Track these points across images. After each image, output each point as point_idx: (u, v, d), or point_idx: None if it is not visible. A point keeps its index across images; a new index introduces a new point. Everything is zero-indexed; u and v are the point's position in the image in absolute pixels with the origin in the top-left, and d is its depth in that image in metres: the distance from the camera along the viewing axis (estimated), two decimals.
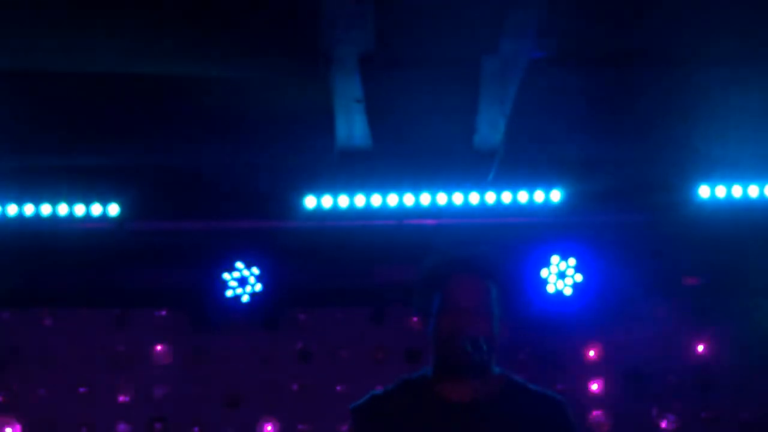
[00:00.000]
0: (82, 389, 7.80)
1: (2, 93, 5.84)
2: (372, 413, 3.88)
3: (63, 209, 6.82)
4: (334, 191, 6.75)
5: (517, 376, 3.98)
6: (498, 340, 3.81)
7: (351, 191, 6.75)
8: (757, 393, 7.86)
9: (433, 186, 6.74)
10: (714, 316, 7.76)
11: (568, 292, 7.07)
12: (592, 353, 7.88)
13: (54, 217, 6.83)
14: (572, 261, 7.06)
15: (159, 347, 7.87)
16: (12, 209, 6.80)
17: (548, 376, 7.83)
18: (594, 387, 7.86)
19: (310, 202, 6.76)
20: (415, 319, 4.10)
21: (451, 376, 3.85)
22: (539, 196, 6.77)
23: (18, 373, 7.78)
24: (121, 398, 7.82)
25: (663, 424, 7.84)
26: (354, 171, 6.72)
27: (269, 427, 7.82)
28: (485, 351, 3.69)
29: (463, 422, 3.76)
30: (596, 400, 7.85)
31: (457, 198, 6.74)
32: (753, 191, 6.74)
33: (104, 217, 6.86)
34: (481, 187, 6.75)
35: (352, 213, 6.78)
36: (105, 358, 7.83)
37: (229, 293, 7.08)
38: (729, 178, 6.77)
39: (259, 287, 7.08)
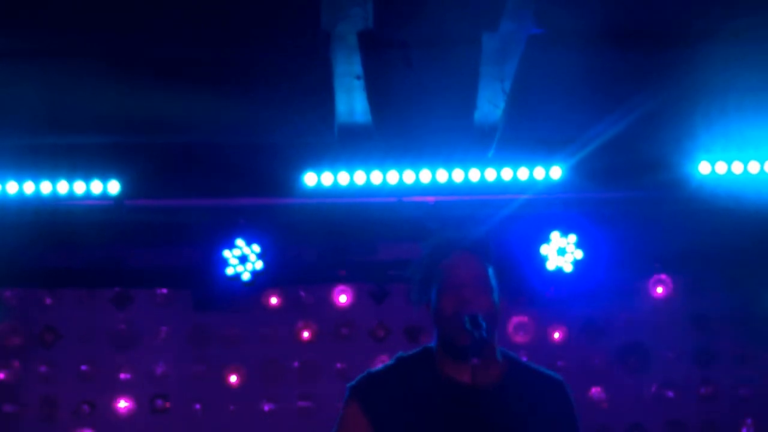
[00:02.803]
0: (83, 367, 7.82)
1: (2, 72, 5.84)
2: (370, 391, 3.89)
3: (63, 187, 6.81)
4: (335, 168, 6.74)
5: (519, 356, 4.00)
6: (498, 316, 3.83)
7: (351, 168, 6.74)
8: (757, 368, 7.89)
9: (434, 163, 6.73)
10: (714, 292, 7.77)
11: (568, 268, 7.07)
12: (590, 330, 7.89)
13: (54, 196, 6.82)
14: (572, 238, 7.06)
15: (160, 325, 7.88)
16: (12, 187, 6.79)
17: (549, 353, 7.87)
18: (594, 362, 7.87)
19: (310, 179, 6.75)
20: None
21: (454, 354, 3.86)
22: (539, 172, 6.76)
23: (19, 351, 7.80)
24: (123, 376, 7.84)
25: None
26: (354, 148, 6.71)
27: (270, 404, 7.84)
28: (484, 328, 3.70)
29: (467, 403, 3.77)
30: (596, 376, 7.86)
31: (458, 175, 6.73)
32: (753, 167, 6.74)
33: (104, 195, 6.85)
34: (482, 163, 6.75)
35: (352, 190, 6.77)
36: (106, 336, 7.85)
37: (229, 271, 7.08)
38: (729, 154, 6.77)
39: (259, 265, 7.08)
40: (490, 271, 3.89)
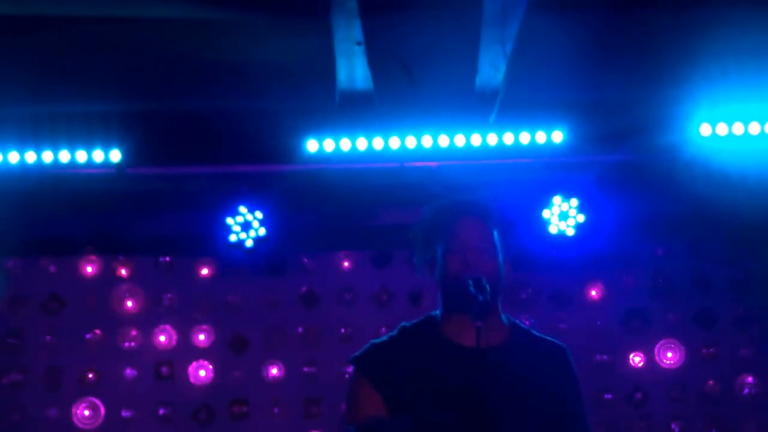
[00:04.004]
0: (88, 335, 7.85)
1: (1, 40, 5.83)
2: (376, 362, 3.92)
3: (65, 156, 6.82)
4: (336, 135, 6.75)
5: (523, 323, 4.04)
6: (503, 280, 3.87)
7: (353, 134, 6.75)
8: (757, 330, 7.92)
9: (435, 128, 6.73)
10: (715, 254, 7.79)
11: (570, 232, 7.09)
12: (593, 293, 7.91)
13: (56, 164, 6.83)
14: (574, 201, 7.07)
15: (163, 292, 7.90)
16: (14, 157, 6.80)
17: (551, 315, 7.89)
18: (596, 324, 7.90)
19: (312, 145, 6.75)
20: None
21: (458, 318, 3.88)
22: (541, 137, 6.77)
23: (24, 320, 7.82)
24: (127, 344, 7.86)
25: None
26: (355, 114, 6.71)
27: (274, 370, 7.87)
28: (488, 291, 3.73)
29: (470, 366, 3.80)
30: (598, 339, 7.90)
31: (459, 140, 6.73)
32: (754, 128, 6.74)
33: (106, 163, 6.86)
34: (483, 128, 6.75)
35: (354, 156, 6.78)
36: (110, 304, 7.87)
37: (233, 238, 7.09)
38: (730, 116, 6.77)
39: (262, 232, 7.09)
40: (495, 235, 3.93)
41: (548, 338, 4.05)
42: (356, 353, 3.99)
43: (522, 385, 3.82)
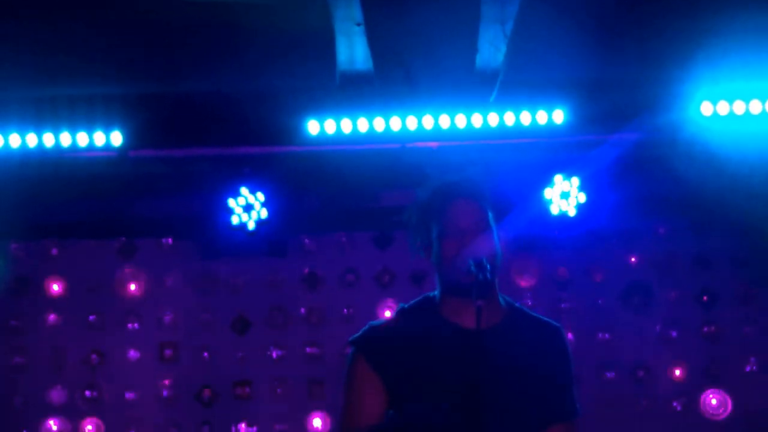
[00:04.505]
0: (91, 317, 7.87)
1: (2, 22, 5.83)
2: (374, 344, 3.93)
3: (66, 139, 6.83)
4: (337, 116, 6.75)
5: (519, 303, 4.05)
6: (499, 261, 3.88)
7: (353, 115, 6.75)
8: (759, 307, 7.93)
9: (436, 108, 6.73)
10: (717, 233, 7.79)
11: (571, 212, 7.09)
12: (595, 272, 7.92)
13: (57, 148, 6.83)
14: (576, 181, 7.07)
15: (166, 275, 7.92)
16: (15, 140, 6.80)
17: (553, 295, 7.91)
18: (597, 303, 7.91)
19: (312, 127, 6.75)
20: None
21: (457, 299, 3.89)
22: (542, 116, 6.77)
23: (28, 303, 7.84)
24: (130, 326, 7.88)
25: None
26: (356, 95, 6.71)
27: (277, 351, 7.90)
28: (489, 270, 3.74)
29: (469, 347, 3.81)
30: (600, 317, 7.91)
31: (460, 120, 6.73)
32: (755, 107, 6.73)
33: (108, 147, 6.86)
34: (484, 108, 6.75)
35: (355, 137, 6.79)
36: (113, 286, 7.88)
37: (234, 220, 7.11)
38: (731, 94, 6.76)
39: (264, 213, 7.10)
40: (490, 216, 3.94)
41: (544, 318, 4.07)
42: (355, 335, 4.01)
43: (520, 364, 3.85)
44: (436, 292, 4.00)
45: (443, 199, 3.96)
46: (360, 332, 4.01)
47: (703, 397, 7.87)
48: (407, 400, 3.82)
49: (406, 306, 4.04)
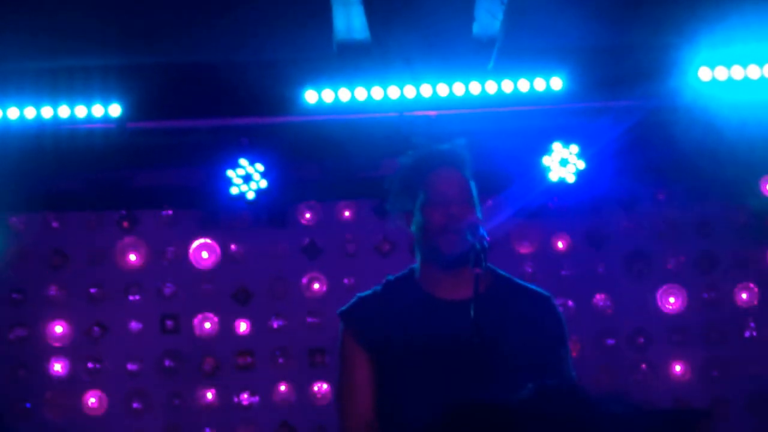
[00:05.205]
0: (92, 290, 7.88)
1: None
2: (360, 316, 3.93)
3: (64, 111, 6.83)
4: (335, 85, 6.75)
5: (503, 271, 4.03)
6: (483, 229, 3.87)
7: (351, 85, 6.75)
8: (758, 273, 7.94)
9: (434, 77, 6.72)
10: (715, 198, 7.80)
11: (570, 179, 7.10)
12: (595, 238, 7.93)
13: (56, 120, 6.84)
14: (574, 148, 7.08)
15: (166, 246, 7.93)
16: (13, 113, 6.81)
17: (553, 262, 7.92)
18: (597, 270, 7.92)
19: (311, 96, 6.76)
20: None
21: (436, 269, 3.88)
22: (540, 84, 6.76)
23: (29, 275, 7.85)
24: (132, 297, 7.90)
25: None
26: (354, 65, 6.71)
27: (278, 321, 7.92)
28: (484, 237, 3.74)
29: (455, 319, 3.81)
30: (600, 284, 7.92)
31: (458, 88, 6.73)
32: (753, 72, 6.73)
33: (106, 118, 6.87)
34: (482, 76, 6.74)
35: (353, 106, 6.79)
36: (114, 258, 7.90)
37: (234, 191, 7.11)
38: (729, 59, 6.75)
39: (264, 184, 7.11)
40: (473, 185, 3.93)
41: (532, 287, 4.04)
42: (343, 307, 4.01)
43: (507, 333, 3.82)
44: (416, 264, 3.99)
45: (427, 168, 3.94)
46: (348, 304, 4.01)
47: (702, 362, 7.90)
48: (389, 373, 3.83)
49: (392, 277, 4.04)
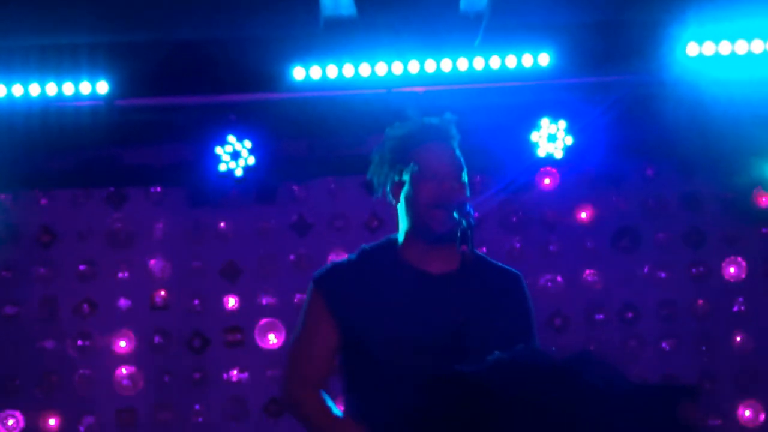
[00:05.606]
0: (81, 267, 7.88)
1: None
2: (335, 283, 3.92)
3: (52, 88, 6.81)
4: (322, 62, 6.73)
5: (476, 250, 4.04)
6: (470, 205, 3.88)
7: (339, 61, 6.73)
8: (746, 248, 7.97)
9: (421, 53, 6.71)
10: (703, 174, 7.81)
11: (558, 155, 7.11)
12: (583, 215, 7.94)
13: (43, 97, 6.82)
14: (562, 124, 7.08)
15: (155, 223, 7.92)
16: (0, 90, 6.79)
17: (541, 238, 7.93)
18: (586, 246, 7.94)
19: (298, 73, 6.74)
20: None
21: (423, 244, 3.89)
22: (527, 59, 6.75)
23: (18, 253, 7.85)
24: (121, 274, 7.90)
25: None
26: (341, 41, 6.69)
27: (268, 298, 7.92)
28: (471, 215, 3.75)
29: (438, 292, 3.83)
30: (589, 259, 7.94)
31: (446, 64, 6.72)
32: (741, 47, 6.72)
33: (94, 96, 6.85)
34: (469, 52, 6.73)
35: (341, 83, 6.77)
36: (102, 235, 7.89)
37: (222, 167, 7.11)
38: (718, 34, 6.75)
39: (252, 160, 7.11)
40: (463, 162, 3.94)
41: (502, 265, 4.08)
42: (319, 272, 4.00)
43: (482, 310, 3.85)
44: (399, 236, 3.98)
45: (419, 140, 3.94)
46: (323, 270, 4.00)
47: (690, 337, 7.93)
48: (364, 342, 3.83)
49: (367, 247, 4.03)
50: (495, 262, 4.06)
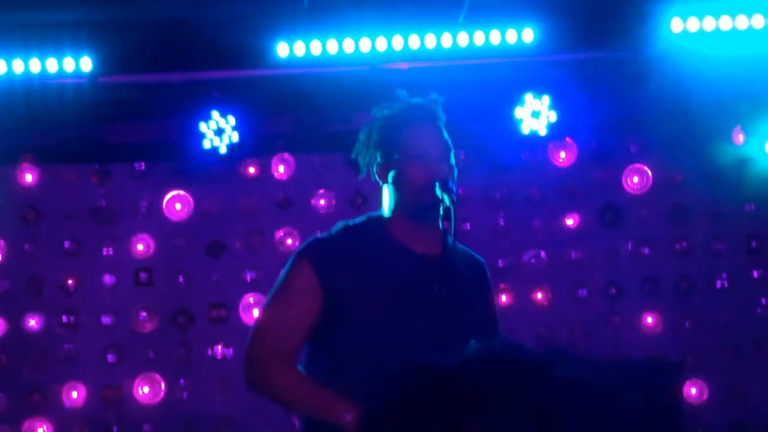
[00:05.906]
0: (66, 244, 7.88)
1: None
2: (324, 256, 3.89)
3: (35, 65, 6.79)
4: (306, 38, 6.72)
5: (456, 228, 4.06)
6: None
7: (323, 37, 6.72)
8: (730, 223, 8.00)
9: (405, 29, 6.71)
10: (687, 151, 7.82)
11: (542, 132, 7.11)
12: (567, 192, 7.96)
13: (27, 75, 6.80)
14: (546, 99, 7.08)
15: (139, 200, 7.92)
16: None
17: (525, 214, 7.95)
18: (569, 222, 7.96)
19: (282, 49, 6.73)
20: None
21: (412, 223, 3.91)
22: (511, 35, 6.75)
23: (1, 231, 7.84)
24: (106, 251, 7.90)
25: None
26: (325, 17, 6.68)
27: (252, 275, 7.94)
28: (455, 192, 3.77)
29: (425, 271, 3.86)
30: (572, 236, 7.97)
31: (430, 40, 6.72)
32: (725, 23, 6.73)
33: (77, 73, 6.83)
34: (453, 28, 6.73)
35: (325, 59, 6.76)
36: (87, 212, 7.89)
37: (206, 144, 7.10)
38: (702, 9, 6.75)
39: (236, 137, 7.10)
40: (450, 143, 3.97)
41: (470, 251, 4.15)
42: (304, 246, 3.98)
43: (464, 289, 3.90)
44: (383, 214, 3.99)
45: (406, 123, 3.95)
46: (309, 242, 3.99)
47: (674, 313, 7.97)
48: (352, 313, 3.82)
49: (350, 223, 4.03)
50: (465, 248, 4.10)
